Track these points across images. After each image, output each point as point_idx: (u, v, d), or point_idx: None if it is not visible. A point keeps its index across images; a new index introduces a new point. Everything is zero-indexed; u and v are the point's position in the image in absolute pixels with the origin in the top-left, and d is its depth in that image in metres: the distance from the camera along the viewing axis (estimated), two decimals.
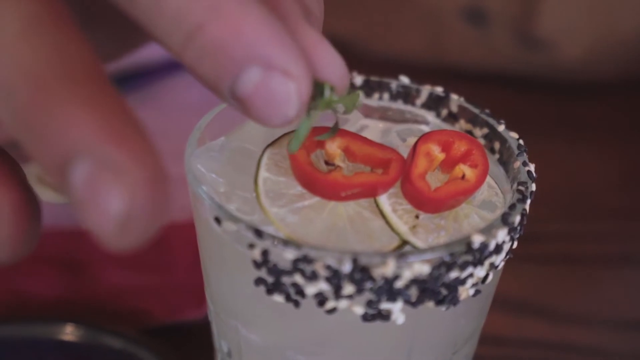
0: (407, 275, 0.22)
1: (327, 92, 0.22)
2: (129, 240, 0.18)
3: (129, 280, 0.43)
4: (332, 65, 0.22)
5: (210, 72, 0.20)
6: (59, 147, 0.17)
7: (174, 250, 0.46)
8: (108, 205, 0.17)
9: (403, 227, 0.24)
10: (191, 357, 0.37)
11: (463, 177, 0.25)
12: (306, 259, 0.22)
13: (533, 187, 0.26)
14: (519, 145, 0.29)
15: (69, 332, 0.37)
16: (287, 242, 0.22)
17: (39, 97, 0.17)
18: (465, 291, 0.24)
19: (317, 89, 0.21)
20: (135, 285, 0.43)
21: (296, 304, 0.24)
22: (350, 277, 0.22)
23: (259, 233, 0.23)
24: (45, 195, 0.50)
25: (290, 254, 0.22)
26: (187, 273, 0.43)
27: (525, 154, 0.28)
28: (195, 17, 0.19)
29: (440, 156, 0.26)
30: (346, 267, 0.22)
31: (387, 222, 0.25)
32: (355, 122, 0.32)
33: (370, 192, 0.25)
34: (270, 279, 0.23)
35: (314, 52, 0.21)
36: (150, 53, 0.62)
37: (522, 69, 0.65)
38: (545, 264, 0.47)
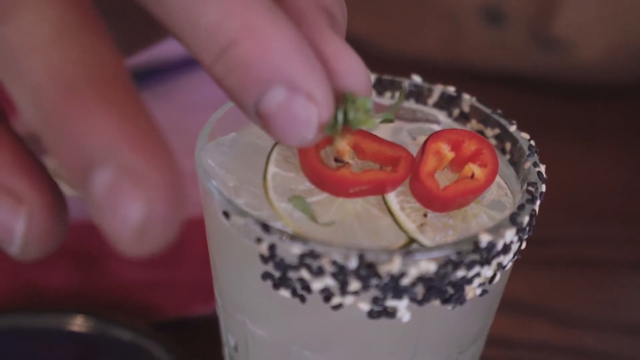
0: (413, 272, 0.22)
1: (351, 114, 0.22)
2: (145, 246, 0.18)
3: (139, 275, 0.44)
4: (356, 74, 0.22)
5: (237, 87, 0.20)
6: (83, 151, 0.18)
7: (185, 245, 0.46)
8: (127, 213, 0.17)
9: (410, 225, 0.25)
10: (199, 351, 0.37)
11: (472, 176, 0.25)
12: (313, 254, 0.22)
13: (543, 188, 0.26)
14: (530, 146, 0.28)
15: (79, 323, 0.37)
16: (294, 237, 0.23)
17: (68, 99, 0.18)
18: (472, 291, 0.24)
19: (340, 108, 0.22)
20: (146, 280, 0.43)
21: (302, 299, 0.24)
22: (357, 274, 0.22)
23: (266, 227, 0.23)
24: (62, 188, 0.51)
25: (297, 249, 0.22)
26: (197, 268, 0.44)
27: (536, 155, 0.28)
28: (230, 33, 0.19)
29: (450, 155, 0.26)
30: (352, 263, 0.22)
31: (395, 220, 0.25)
32: None
33: (379, 189, 0.25)
34: (276, 274, 0.24)
35: (338, 61, 0.22)
36: (165, 50, 0.63)
37: (538, 70, 0.64)
38: (556, 267, 0.47)
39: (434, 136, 0.26)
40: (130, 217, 0.17)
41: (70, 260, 0.44)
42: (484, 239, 0.23)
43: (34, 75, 0.18)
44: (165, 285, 0.43)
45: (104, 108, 0.18)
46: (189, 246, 0.46)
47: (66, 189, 0.55)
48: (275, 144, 0.26)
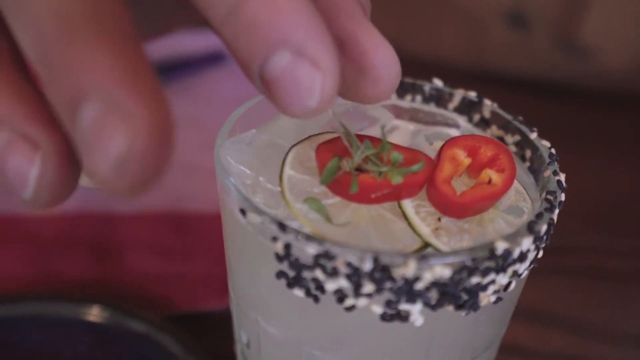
0: (427, 277, 0.22)
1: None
2: (123, 182, 0.18)
3: (156, 267, 0.44)
4: (390, 67, 0.23)
5: (244, 49, 0.20)
6: (73, 85, 0.18)
7: (202, 241, 0.46)
8: (108, 146, 0.18)
9: (425, 229, 0.24)
10: (212, 346, 0.38)
11: (489, 181, 0.25)
12: (327, 255, 0.22)
13: (562, 197, 0.26)
14: (551, 154, 0.28)
15: (95, 313, 0.38)
16: (309, 237, 0.23)
17: (63, 33, 0.18)
18: (487, 297, 0.24)
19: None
20: (162, 272, 0.44)
21: (316, 299, 0.24)
22: (371, 276, 0.22)
23: (282, 226, 0.23)
24: (80, 180, 0.52)
25: (312, 249, 0.22)
26: (213, 264, 0.44)
27: (556, 164, 0.28)
28: None
29: (466, 161, 0.26)
30: (367, 266, 0.22)
31: (410, 224, 0.25)
32: (386, 123, 0.32)
33: (399, 194, 0.25)
34: (291, 273, 0.24)
35: (375, 52, 0.22)
36: (188, 45, 0.64)
37: (562, 76, 0.64)
38: (574, 277, 0.47)
39: (450, 142, 0.26)
40: (110, 150, 0.18)
41: (88, 250, 0.45)
42: (500, 246, 0.23)
43: (34, 7, 0.18)
44: (181, 278, 0.43)
45: (99, 43, 0.18)
46: (206, 241, 0.46)
47: (86, 181, 0.56)
48: (292, 147, 0.26)
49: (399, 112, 0.33)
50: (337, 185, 0.25)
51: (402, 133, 0.32)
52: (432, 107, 0.32)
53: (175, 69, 0.63)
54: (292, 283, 0.24)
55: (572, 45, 0.62)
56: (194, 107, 0.60)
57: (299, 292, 0.24)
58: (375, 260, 0.22)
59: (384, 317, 0.24)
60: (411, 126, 0.32)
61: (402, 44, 0.66)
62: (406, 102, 0.33)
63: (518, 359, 0.40)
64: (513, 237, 0.23)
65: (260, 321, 0.28)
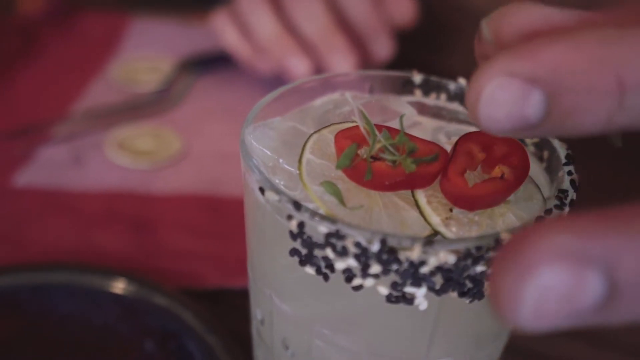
0: (432, 262, 0.23)
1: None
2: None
3: (189, 245, 0.47)
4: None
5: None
6: None
7: (233, 223, 0.49)
8: None
9: (435, 219, 0.25)
10: (234, 325, 0.39)
11: (502, 176, 0.26)
12: (338, 235, 0.24)
13: (574, 196, 0.26)
14: (567, 155, 0.29)
15: (121, 286, 0.40)
16: (322, 217, 0.24)
17: None
18: None
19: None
20: (194, 250, 0.46)
21: (325, 277, 0.25)
22: (378, 257, 0.23)
23: (297, 206, 0.24)
24: (123, 160, 0.54)
25: (324, 228, 0.24)
26: (242, 244, 0.46)
27: (572, 165, 0.28)
28: None
29: (481, 155, 0.26)
30: (375, 247, 0.23)
31: (421, 213, 0.26)
32: (409, 118, 0.33)
33: (413, 183, 0.26)
34: (303, 251, 0.25)
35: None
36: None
37: None
38: None
39: (465, 137, 0.27)
40: None
41: (126, 226, 0.48)
42: (506, 237, 0.24)
43: None
44: (211, 256, 0.46)
45: None
46: (237, 224, 0.48)
47: (129, 162, 0.60)
48: (313, 133, 0.28)
49: (423, 109, 0.34)
50: (353, 171, 0.26)
51: (424, 129, 0.33)
52: (456, 106, 0.33)
53: (215, 61, 0.65)
54: (304, 260, 0.25)
55: None
56: (231, 98, 0.62)
57: (310, 270, 0.25)
58: (383, 242, 0.23)
59: (390, 299, 0.25)
60: (434, 123, 0.33)
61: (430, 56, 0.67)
62: (431, 100, 0.34)
63: None
64: (519, 230, 0.24)
65: (274, 299, 0.29)
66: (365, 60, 0.60)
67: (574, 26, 0.21)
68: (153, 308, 0.39)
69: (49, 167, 0.53)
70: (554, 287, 0.17)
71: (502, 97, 0.19)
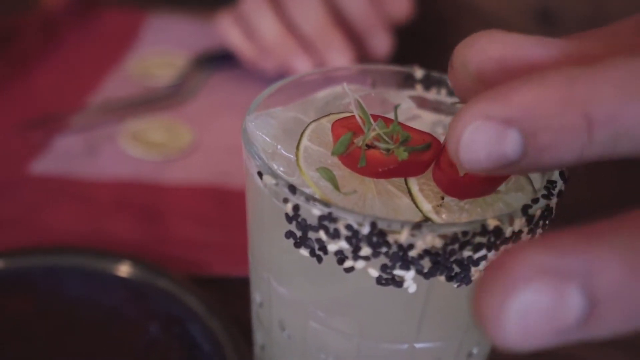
0: (420, 245, 0.24)
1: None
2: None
3: (197, 234, 0.48)
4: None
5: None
6: None
7: (241, 214, 0.50)
8: None
9: (427, 206, 0.26)
10: (237, 311, 0.40)
11: None
12: (330, 217, 0.25)
13: (562, 187, 0.27)
14: None
15: (128, 270, 0.41)
16: (315, 199, 0.25)
17: None
18: (479, 272, 0.26)
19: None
20: (202, 238, 0.47)
21: (319, 259, 0.26)
22: (368, 239, 0.24)
23: (293, 189, 0.25)
24: (136, 151, 0.56)
25: (317, 211, 0.25)
26: (245, 234, 0.48)
27: None
28: None
29: None
30: (365, 229, 0.24)
31: (413, 200, 0.27)
32: (408, 111, 0.34)
33: (405, 171, 0.27)
34: (298, 233, 0.26)
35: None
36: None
37: None
38: None
39: None
40: None
41: (136, 214, 0.49)
42: (492, 223, 0.24)
43: None
44: (218, 245, 0.47)
45: None
46: (245, 214, 0.50)
47: (141, 153, 0.62)
48: (312, 122, 0.29)
49: (422, 103, 0.35)
50: (348, 158, 0.27)
51: (422, 122, 0.34)
52: (455, 99, 0.34)
53: (228, 58, 0.67)
54: (299, 242, 0.26)
55: None
56: (242, 94, 0.63)
57: (304, 252, 0.26)
58: (373, 224, 0.24)
59: (380, 281, 0.26)
60: (433, 116, 0.34)
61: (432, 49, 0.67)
62: (431, 94, 0.35)
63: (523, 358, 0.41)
64: (506, 217, 0.25)
65: (272, 281, 0.30)
66: (364, 56, 0.61)
67: (544, 57, 0.22)
68: (159, 293, 0.40)
69: (64, 156, 0.55)
70: (535, 304, 0.17)
71: (481, 138, 0.20)
